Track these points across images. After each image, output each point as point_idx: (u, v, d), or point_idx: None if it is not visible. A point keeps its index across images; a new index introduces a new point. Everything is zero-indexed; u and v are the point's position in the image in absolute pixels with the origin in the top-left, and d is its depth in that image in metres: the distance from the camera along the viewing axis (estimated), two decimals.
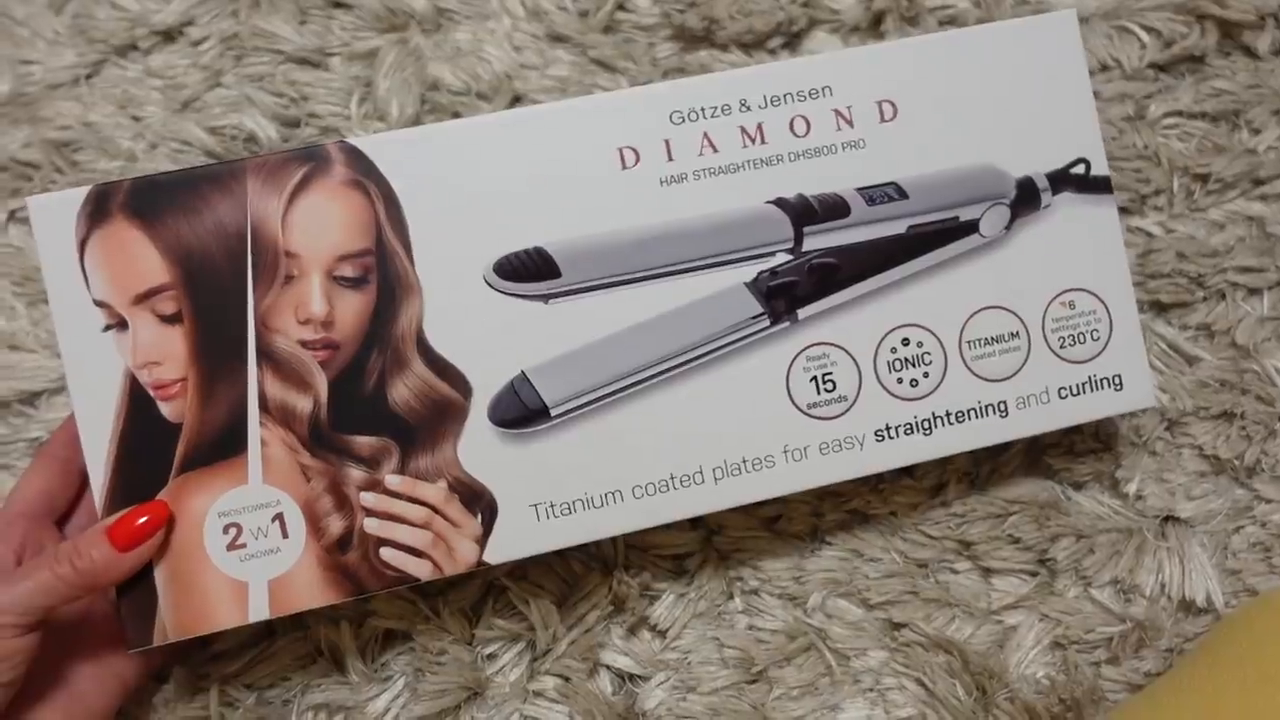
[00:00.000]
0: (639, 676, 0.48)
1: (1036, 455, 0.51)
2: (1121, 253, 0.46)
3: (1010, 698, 0.47)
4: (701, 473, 0.42)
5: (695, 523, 0.50)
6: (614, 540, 0.49)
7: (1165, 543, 0.50)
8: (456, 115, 0.55)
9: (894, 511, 0.50)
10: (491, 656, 0.48)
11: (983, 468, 0.51)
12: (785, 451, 0.43)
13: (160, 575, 0.40)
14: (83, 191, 0.39)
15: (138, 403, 0.40)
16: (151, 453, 0.40)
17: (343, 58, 0.56)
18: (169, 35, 0.56)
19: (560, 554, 0.49)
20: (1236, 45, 0.56)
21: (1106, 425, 0.51)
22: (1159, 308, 0.53)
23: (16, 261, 0.53)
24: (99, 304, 0.40)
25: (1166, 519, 0.51)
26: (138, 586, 0.39)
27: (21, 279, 0.53)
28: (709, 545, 0.50)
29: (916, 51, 0.45)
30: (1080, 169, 0.45)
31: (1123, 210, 0.53)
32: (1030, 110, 0.45)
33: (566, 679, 0.47)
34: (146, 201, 0.40)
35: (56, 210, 0.39)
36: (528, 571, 0.49)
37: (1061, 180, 0.45)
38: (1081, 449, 0.51)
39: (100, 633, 0.43)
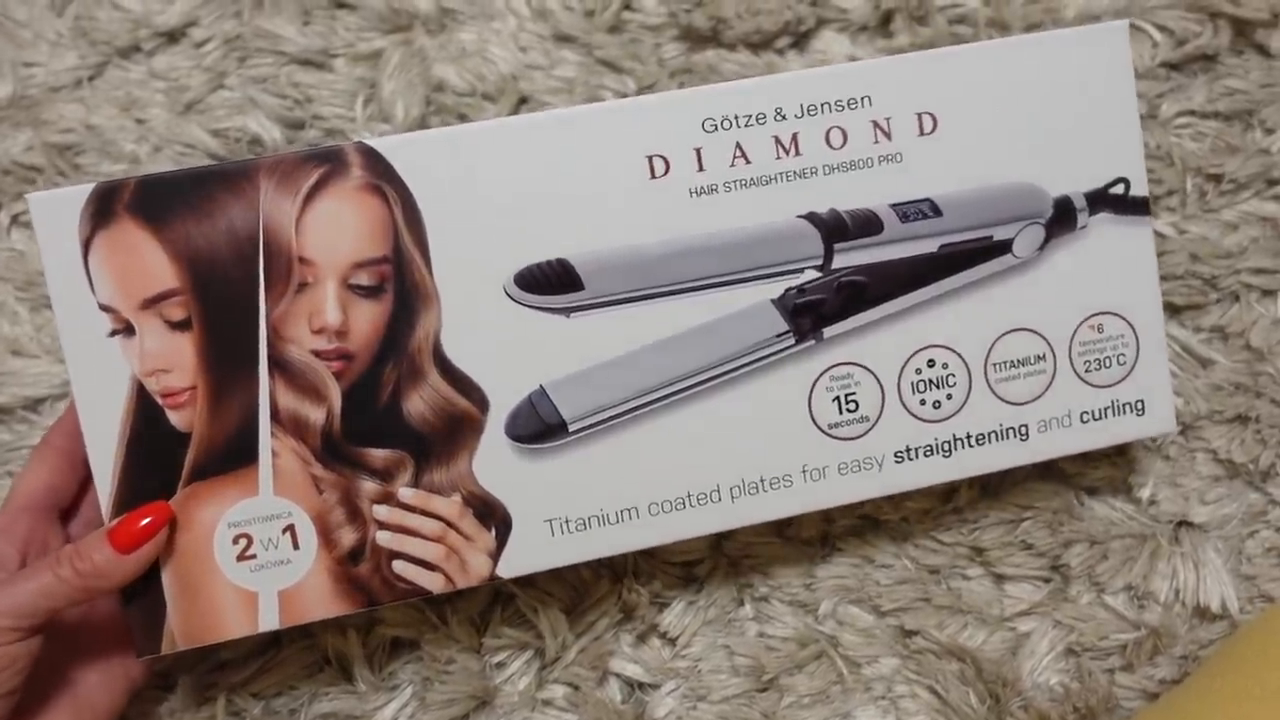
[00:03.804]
0: (649, 685, 0.48)
1: (1049, 461, 0.51)
2: (1154, 276, 0.45)
3: (1024, 705, 0.46)
4: (719, 491, 0.42)
5: None
6: None
7: (1179, 548, 0.49)
8: (463, 117, 0.54)
9: (905, 518, 0.50)
10: (500, 665, 0.48)
11: (994, 474, 0.50)
12: (804, 471, 0.42)
13: (169, 583, 0.39)
14: (86, 189, 0.38)
15: (145, 411, 0.39)
16: (160, 461, 0.39)
17: (347, 59, 0.55)
18: (172, 36, 0.56)
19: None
20: (1250, 44, 0.56)
21: None
22: (1172, 310, 0.53)
23: (20, 266, 0.53)
24: (104, 308, 0.38)
25: (1180, 524, 0.50)
26: (146, 594, 0.39)
27: (25, 284, 0.52)
28: (719, 552, 0.49)
29: (960, 60, 0.43)
30: (1120, 189, 0.44)
31: None
32: (1072, 124, 0.44)
33: (576, 687, 0.47)
34: (154, 201, 0.38)
35: (58, 209, 0.38)
36: (536, 579, 0.48)
37: (1100, 200, 0.44)
38: (1095, 454, 0.51)
39: (105, 632, 0.42)
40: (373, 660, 0.47)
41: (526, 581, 0.48)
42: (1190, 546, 0.49)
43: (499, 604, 0.48)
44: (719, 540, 0.49)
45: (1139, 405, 0.45)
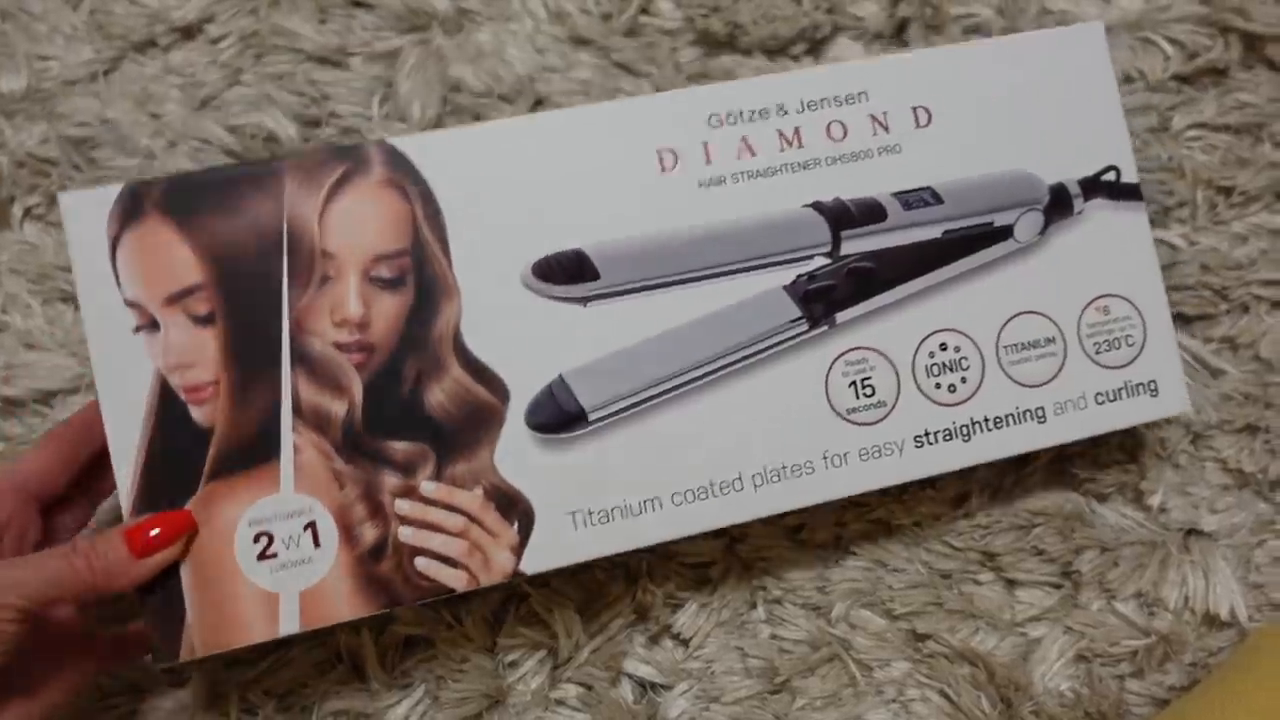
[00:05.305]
0: (661, 685, 0.48)
1: (1060, 467, 0.51)
2: (1153, 259, 0.46)
3: (1035, 711, 0.47)
4: (741, 480, 0.42)
5: (718, 531, 0.50)
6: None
7: (1189, 556, 0.50)
8: (478, 117, 0.54)
9: (918, 522, 0.50)
10: (513, 664, 0.47)
11: (1006, 479, 0.51)
12: (825, 458, 0.42)
13: (189, 585, 0.38)
14: (115, 189, 0.39)
15: (168, 406, 0.39)
16: (181, 458, 0.39)
17: (364, 58, 0.55)
18: (188, 32, 0.56)
19: (584, 562, 0.48)
20: (1260, 58, 0.56)
21: (1131, 437, 0.51)
22: (1183, 320, 0.53)
23: (33, 259, 0.52)
24: (130, 304, 0.39)
25: (1190, 532, 0.50)
26: (166, 597, 0.38)
27: (38, 277, 0.52)
28: (732, 554, 0.49)
29: (948, 59, 0.45)
30: (1111, 176, 0.45)
31: None
32: (1060, 119, 0.45)
33: (589, 687, 0.47)
34: (182, 200, 0.39)
35: (89, 208, 0.39)
36: (550, 579, 0.48)
37: (1093, 187, 0.45)
38: (1106, 460, 0.51)
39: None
40: (385, 659, 0.47)
41: (541, 581, 0.48)
42: (1200, 554, 0.49)
43: (513, 603, 0.48)
44: (732, 542, 0.50)
45: (1151, 386, 0.45)
